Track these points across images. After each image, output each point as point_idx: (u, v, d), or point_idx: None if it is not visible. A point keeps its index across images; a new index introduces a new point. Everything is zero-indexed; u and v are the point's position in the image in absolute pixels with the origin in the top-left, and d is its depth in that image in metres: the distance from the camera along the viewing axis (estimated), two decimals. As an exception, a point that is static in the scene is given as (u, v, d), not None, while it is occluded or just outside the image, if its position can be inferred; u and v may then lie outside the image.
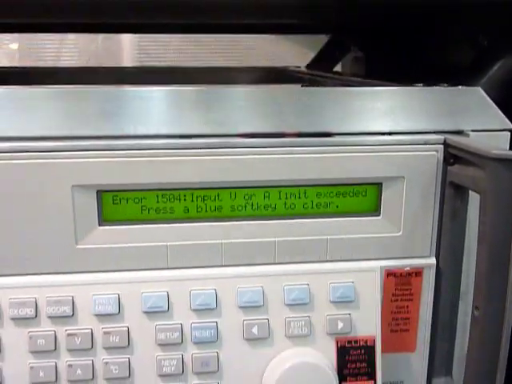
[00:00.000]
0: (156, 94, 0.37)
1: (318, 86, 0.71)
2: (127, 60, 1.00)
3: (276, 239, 0.36)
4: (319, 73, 0.76)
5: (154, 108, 0.36)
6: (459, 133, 0.37)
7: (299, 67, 0.86)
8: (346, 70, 0.85)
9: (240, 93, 0.38)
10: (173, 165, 0.34)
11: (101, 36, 1.00)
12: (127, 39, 0.99)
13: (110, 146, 0.33)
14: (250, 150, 0.34)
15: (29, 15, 0.62)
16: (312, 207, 0.36)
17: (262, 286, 0.36)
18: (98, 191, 0.34)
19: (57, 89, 0.37)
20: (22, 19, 0.69)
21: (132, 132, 0.34)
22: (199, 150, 0.34)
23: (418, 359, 0.39)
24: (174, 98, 0.37)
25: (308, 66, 0.87)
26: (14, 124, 0.34)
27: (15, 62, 1.07)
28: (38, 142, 0.33)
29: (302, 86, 0.77)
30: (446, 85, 0.39)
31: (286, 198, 0.36)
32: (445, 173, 0.36)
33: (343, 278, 0.36)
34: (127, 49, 1.00)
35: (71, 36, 1.02)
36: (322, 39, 0.85)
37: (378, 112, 0.37)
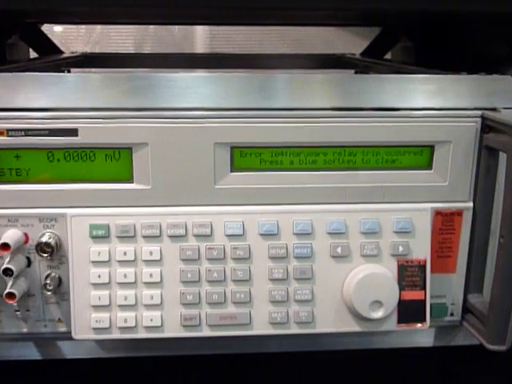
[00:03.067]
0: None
1: (372, 71, 0.83)
2: (200, 47, 1.14)
3: (355, 185, 0.49)
4: (372, 60, 0.88)
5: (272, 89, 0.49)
6: (493, 109, 0.49)
7: (354, 54, 0.98)
8: (395, 57, 0.96)
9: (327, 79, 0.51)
10: (283, 130, 0.47)
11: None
12: (200, 28, 1.12)
13: (239, 115, 0.47)
14: (339, 120, 0.47)
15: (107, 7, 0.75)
16: (382, 162, 0.49)
17: (344, 219, 0.49)
18: (231, 147, 0.47)
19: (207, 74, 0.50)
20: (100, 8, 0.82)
21: (257, 105, 0.47)
22: (300, 119, 0.47)
23: (458, 279, 0.52)
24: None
25: (362, 54, 0.98)
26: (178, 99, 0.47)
27: (95, 49, 1.21)
28: (192, 112, 0.47)
29: (355, 73, 0.90)
30: (484, 73, 0.51)
31: (364, 154, 0.49)
32: (482, 139, 0.48)
33: (404, 215, 0.49)
34: (200, 36, 1.13)
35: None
36: (375, 30, 0.97)
37: (431, 93, 0.50)
